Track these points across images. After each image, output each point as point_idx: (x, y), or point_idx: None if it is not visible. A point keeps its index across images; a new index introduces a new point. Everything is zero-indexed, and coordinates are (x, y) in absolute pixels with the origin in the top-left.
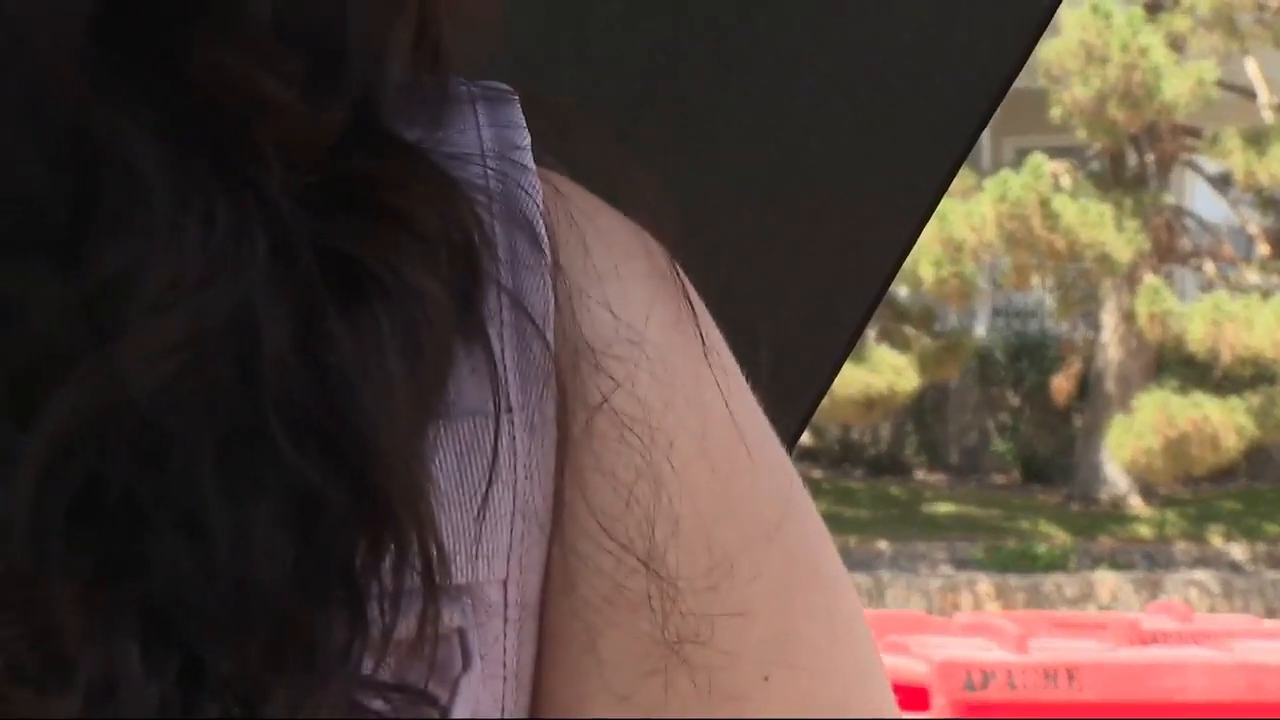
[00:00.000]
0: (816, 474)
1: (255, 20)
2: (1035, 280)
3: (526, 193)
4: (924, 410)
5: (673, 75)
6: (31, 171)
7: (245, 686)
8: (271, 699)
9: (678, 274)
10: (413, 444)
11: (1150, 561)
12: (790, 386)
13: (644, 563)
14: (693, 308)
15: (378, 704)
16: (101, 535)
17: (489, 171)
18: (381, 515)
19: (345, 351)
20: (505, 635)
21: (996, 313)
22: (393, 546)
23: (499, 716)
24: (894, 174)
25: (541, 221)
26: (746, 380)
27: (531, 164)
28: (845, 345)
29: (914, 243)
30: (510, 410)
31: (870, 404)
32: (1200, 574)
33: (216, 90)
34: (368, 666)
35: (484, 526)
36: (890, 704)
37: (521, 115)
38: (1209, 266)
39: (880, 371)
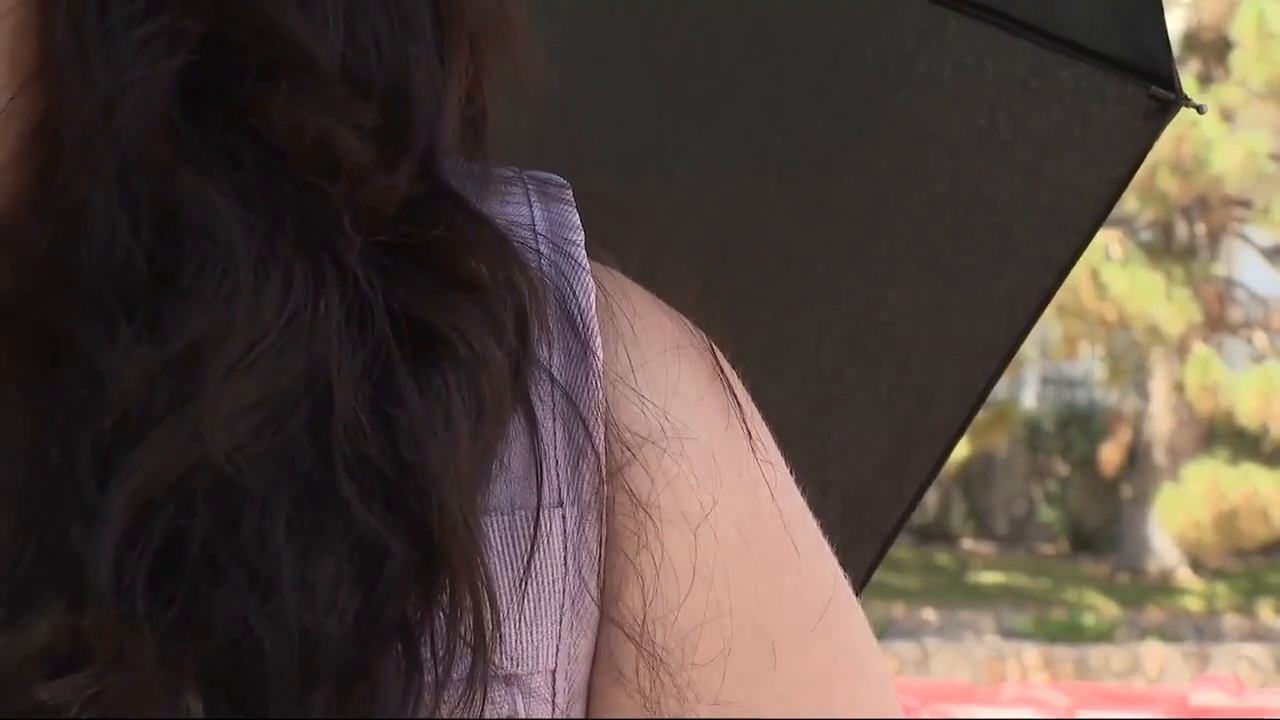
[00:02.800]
0: None
1: (327, 74)
2: (1084, 349)
3: (576, 285)
4: (972, 479)
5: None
6: (117, 237)
7: None
8: None
9: (723, 370)
10: (472, 502)
11: (1199, 634)
12: (913, 449)
13: (633, 639)
14: (739, 403)
15: None
16: (179, 591)
17: (543, 258)
18: (440, 568)
19: (414, 412)
20: None
21: (1045, 381)
22: (449, 600)
23: None
24: (1018, 250)
25: (593, 314)
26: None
27: (584, 258)
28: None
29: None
30: (561, 504)
31: None
32: (1250, 648)
33: (295, 155)
34: None
35: (531, 616)
36: None
37: (574, 207)
38: (1259, 338)
39: None
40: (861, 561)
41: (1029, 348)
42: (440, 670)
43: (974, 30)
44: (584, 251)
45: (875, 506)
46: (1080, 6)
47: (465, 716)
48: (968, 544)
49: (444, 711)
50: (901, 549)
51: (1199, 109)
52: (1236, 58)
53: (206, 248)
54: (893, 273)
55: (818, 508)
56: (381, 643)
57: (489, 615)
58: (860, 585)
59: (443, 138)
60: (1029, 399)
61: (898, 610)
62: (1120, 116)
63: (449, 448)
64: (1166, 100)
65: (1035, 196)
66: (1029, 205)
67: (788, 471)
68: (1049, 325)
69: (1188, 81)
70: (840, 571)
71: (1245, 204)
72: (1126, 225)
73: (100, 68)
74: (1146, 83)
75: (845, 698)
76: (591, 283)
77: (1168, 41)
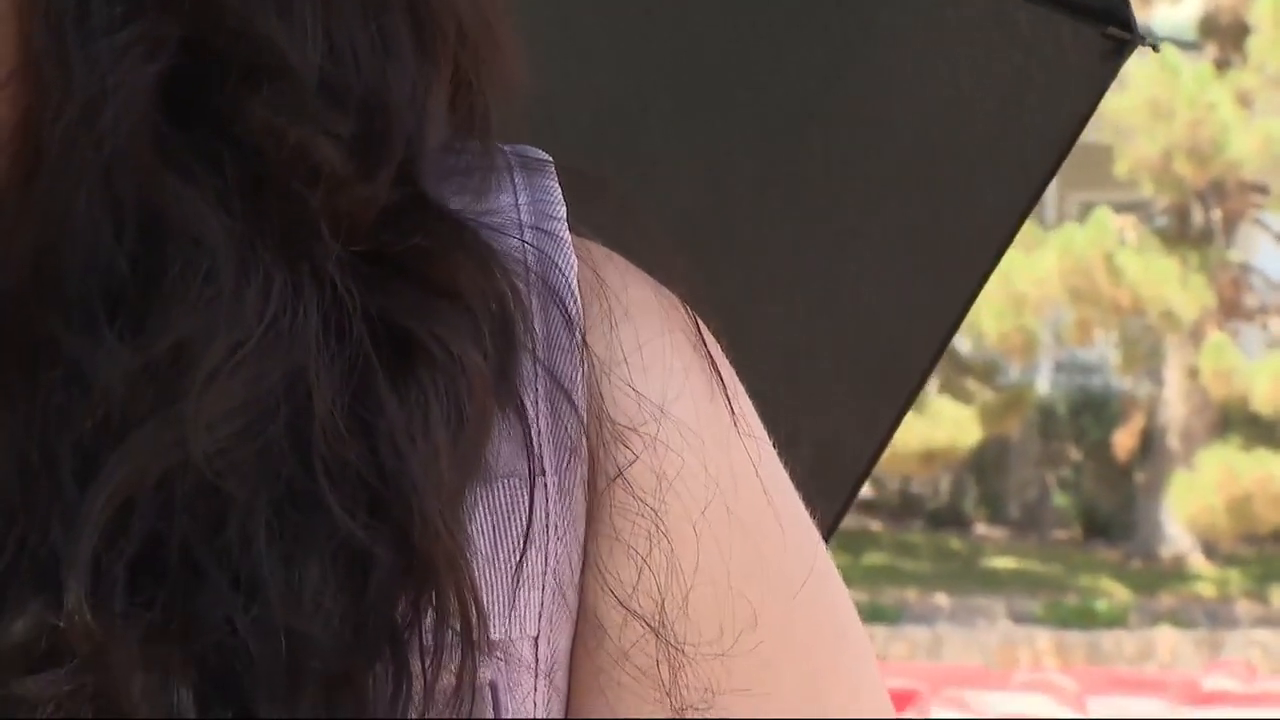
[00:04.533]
0: (876, 526)
1: (305, 83)
2: (1099, 335)
3: (561, 267)
4: (985, 464)
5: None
6: (99, 239)
7: None
8: None
9: (707, 345)
10: (454, 508)
11: (1212, 620)
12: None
13: (653, 629)
14: (721, 378)
15: None
16: (160, 592)
17: (526, 244)
18: (425, 575)
19: (394, 418)
20: (536, 690)
21: (1059, 367)
22: (434, 604)
23: None
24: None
25: (576, 296)
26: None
27: (567, 235)
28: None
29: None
30: (544, 474)
31: (931, 457)
32: (1263, 634)
33: (274, 159)
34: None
35: (519, 585)
36: None
37: (557, 183)
38: (1275, 324)
39: (941, 424)
40: (830, 512)
41: (1043, 333)
42: (429, 674)
43: None
44: (567, 229)
45: (840, 466)
46: None
47: (454, 715)
48: (980, 529)
49: (434, 712)
50: (914, 534)
51: (1154, 47)
52: (1254, 43)
53: (189, 251)
54: (860, 224)
55: (785, 460)
56: (369, 647)
57: (476, 617)
58: (825, 538)
59: (423, 147)
60: (1043, 384)
61: (910, 595)
62: (1078, 58)
63: (429, 454)
64: (1123, 40)
65: (997, 142)
66: (991, 151)
67: (770, 443)
68: (1063, 310)
69: (1204, 67)
70: (821, 541)
71: (1262, 189)
72: (1142, 210)
73: (80, 72)
74: (1103, 24)
75: (828, 665)
76: (575, 260)
77: None
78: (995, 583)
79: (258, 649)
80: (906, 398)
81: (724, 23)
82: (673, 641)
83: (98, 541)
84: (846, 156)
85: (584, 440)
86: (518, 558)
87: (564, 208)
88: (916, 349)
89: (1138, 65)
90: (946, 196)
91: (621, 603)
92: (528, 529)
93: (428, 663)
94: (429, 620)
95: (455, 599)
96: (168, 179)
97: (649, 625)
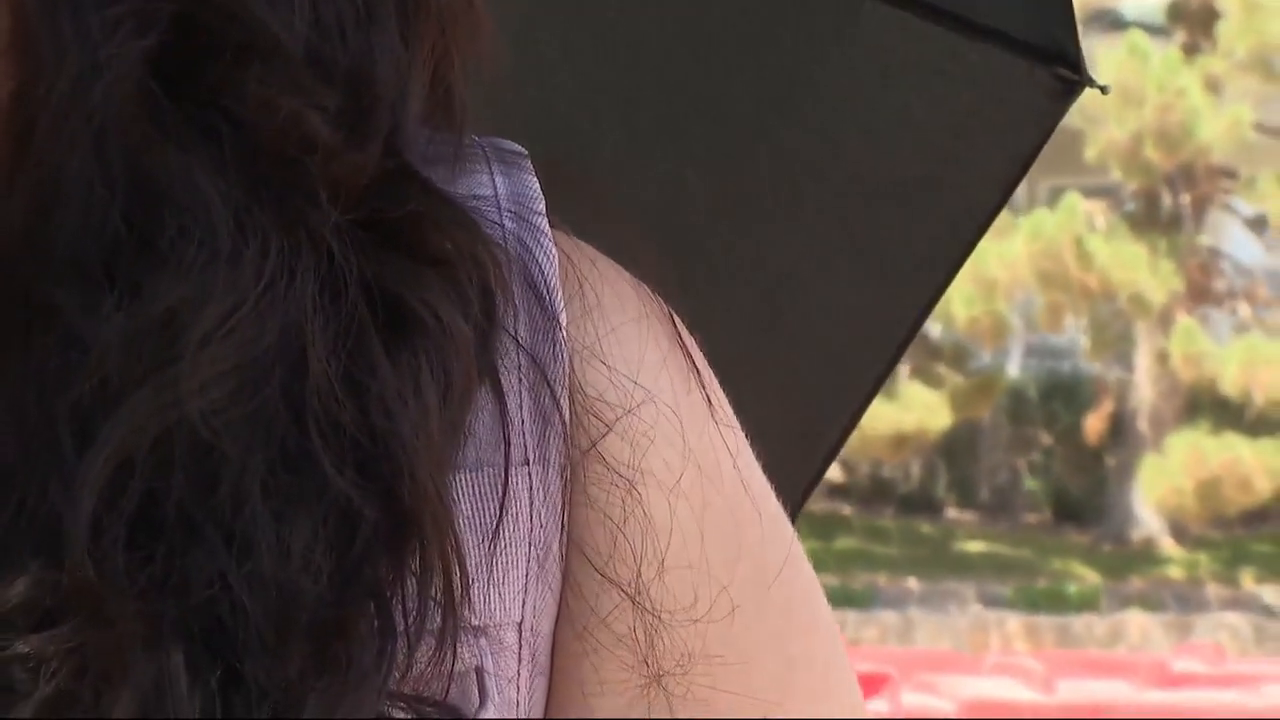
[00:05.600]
0: (847, 511)
1: (293, 57)
2: (1069, 320)
3: (540, 256)
4: (955, 449)
5: (719, 135)
6: (93, 205)
7: (281, 694)
8: (305, 707)
9: (682, 337)
10: (442, 471)
11: (1181, 603)
12: (815, 427)
13: (629, 595)
14: (698, 369)
15: (401, 715)
16: (158, 550)
17: (506, 232)
18: (411, 533)
19: (386, 381)
20: (519, 675)
21: (1029, 352)
22: (419, 562)
23: None
24: (927, 228)
25: (556, 284)
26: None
27: (546, 226)
28: (871, 388)
29: (942, 293)
30: (528, 463)
31: (901, 441)
32: (1231, 617)
33: (268, 129)
34: (393, 683)
35: (499, 571)
36: None
37: (534, 176)
38: (1243, 308)
39: (912, 409)
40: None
41: (1013, 318)
42: (412, 629)
43: (888, 15)
44: (546, 220)
45: (787, 475)
46: None
47: (436, 673)
48: (951, 514)
49: (416, 668)
50: (885, 518)
51: (1103, 89)
52: (1223, 28)
53: (185, 215)
54: (807, 250)
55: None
56: (356, 602)
57: (458, 577)
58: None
59: (406, 121)
60: (1013, 369)
61: (881, 579)
62: (1028, 97)
63: (419, 416)
64: (1071, 81)
65: (945, 175)
66: (939, 183)
67: (743, 434)
68: (1033, 295)
69: (1173, 53)
70: (793, 531)
71: (1231, 174)
72: (1112, 195)
73: (72, 46)
74: (1053, 65)
75: (801, 652)
76: (555, 251)
77: (1074, 24)
78: (966, 567)
79: (249, 603)
80: (849, 420)
81: (678, 45)
82: (649, 607)
83: (97, 501)
84: (796, 180)
85: (562, 418)
86: (494, 529)
87: (542, 200)
88: (859, 371)
89: (1107, 51)
90: (893, 223)
91: (598, 570)
92: (500, 510)
93: (411, 620)
94: (413, 580)
95: (439, 558)
96: (162, 147)
97: (625, 592)
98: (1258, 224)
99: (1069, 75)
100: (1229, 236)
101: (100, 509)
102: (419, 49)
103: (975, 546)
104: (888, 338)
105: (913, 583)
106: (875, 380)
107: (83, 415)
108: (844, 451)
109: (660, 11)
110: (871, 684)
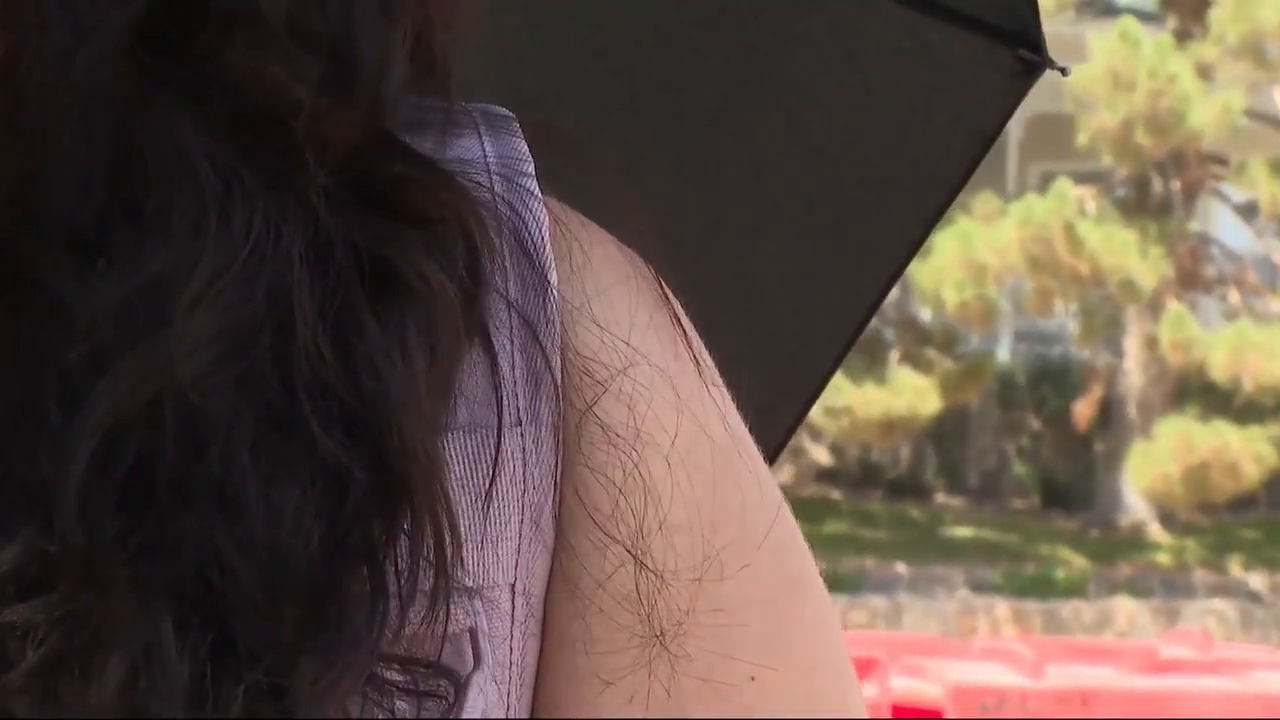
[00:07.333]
0: (835, 495)
1: (274, 27)
2: (1058, 305)
3: (529, 219)
4: (944, 433)
5: (685, 110)
6: (80, 171)
7: (273, 657)
8: (298, 668)
9: (670, 300)
10: (431, 431)
11: (1169, 589)
12: (774, 402)
13: (632, 554)
14: (685, 331)
15: (394, 676)
16: (148, 514)
17: (496, 195)
18: (401, 494)
19: (373, 342)
20: (512, 636)
21: (1019, 337)
22: (411, 524)
23: (505, 715)
24: (888, 206)
25: (546, 246)
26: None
27: (537, 189)
28: (833, 363)
29: (902, 270)
30: (520, 424)
31: (890, 426)
32: (1219, 603)
33: (254, 95)
34: (385, 645)
35: (492, 532)
36: (862, 711)
37: (524, 140)
38: (1233, 295)
39: (901, 393)
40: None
41: (1003, 303)
42: (405, 590)
43: None
44: (535, 182)
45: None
46: None
47: (429, 633)
48: (940, 498)
49: (409, 629)
50: (874, 503)
51: (1063, 71)
52: (1214, 14)
53: (171, 182)
54: (768, 225)
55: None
56: (347, 564)
57: (450, 538)
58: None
59: (390, 88)
60: (1002, 354)
61: (870, 564)
62: (988, 77)
63: (407, 377)
64: (1032, 62)
65: (906, 153)
66: (900, 161)
67: (729, 397)
68: (1023, 280)
69: (1164, 38)
70: (781, 495)
71: (1221, 161)
72: (1102, 181)
73: (57, 13)
74: (1014, 45)
75: (791, 615)
76: (544, 212)
77: (1036, 6)
78: (954, 552)
79: (240, 566)
80: (808, 398)
81: (641, 23)
82: (651, 566)
83: (87, 466)
84: (756, 158)
85: (554, 378)
86: (487, 490)
87: (531, 163)
88: (819, 350)
89: (1098, 37)
90: (854, 201)
91: (600, 527)
92: (493, 471)
93: (403, 582)
94: (404, 540)
95: (430, 518)
96: (148, 112)
97: (629, 551)
98: (1248, 210)
99: (1030, 56)
100: (1219, 223)
101: (90, 474)
102: (399, 18)
103: (964, 531)
104: (848, 315)
105: (901, 567)
106: (834, 358)
107: (71, 382)
108: (833, 435)
109: None
110: (860, 668)
